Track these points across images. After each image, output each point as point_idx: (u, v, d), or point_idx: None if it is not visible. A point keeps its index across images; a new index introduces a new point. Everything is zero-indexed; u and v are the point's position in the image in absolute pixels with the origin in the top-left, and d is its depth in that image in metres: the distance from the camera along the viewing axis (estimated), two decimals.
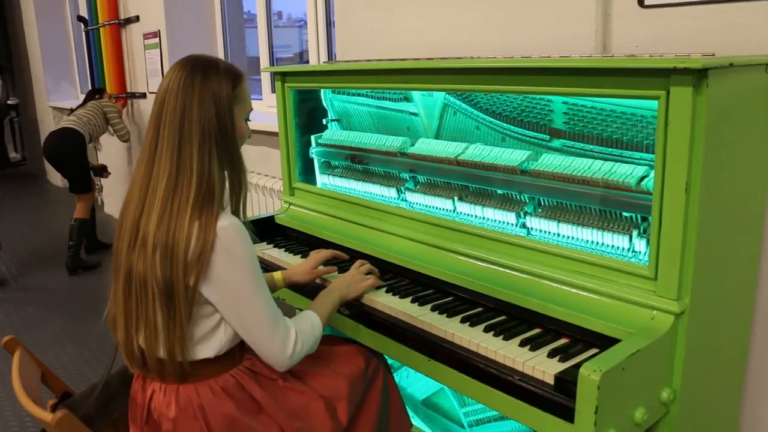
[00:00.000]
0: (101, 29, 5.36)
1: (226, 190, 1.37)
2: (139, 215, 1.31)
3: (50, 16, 6.96)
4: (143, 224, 1.30)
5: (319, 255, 1.77)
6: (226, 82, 1.34)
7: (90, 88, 5.57)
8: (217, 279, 1.28)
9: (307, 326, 1.43)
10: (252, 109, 1.44)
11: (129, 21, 4.99)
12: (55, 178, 7.62)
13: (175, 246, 1.26)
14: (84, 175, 4.51)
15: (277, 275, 1.72)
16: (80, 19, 5.90)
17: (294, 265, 1.80)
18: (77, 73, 7.22)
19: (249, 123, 1.45)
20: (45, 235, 5.42)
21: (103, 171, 4.92)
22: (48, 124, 4.47)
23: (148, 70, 4.78)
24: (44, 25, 7.17)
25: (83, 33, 6.00)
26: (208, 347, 1.35)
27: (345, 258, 1.81)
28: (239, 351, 1.44)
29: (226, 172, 1.36)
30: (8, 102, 9.66)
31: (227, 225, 1.28)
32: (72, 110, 4.67)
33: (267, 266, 1.94)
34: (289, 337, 1.36)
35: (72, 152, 4.41)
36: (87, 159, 4.57)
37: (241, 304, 1.31)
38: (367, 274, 1.67)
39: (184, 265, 1.26)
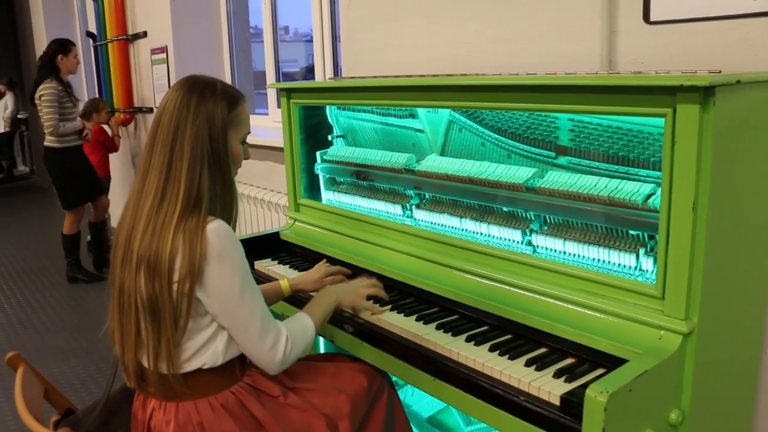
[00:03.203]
0: (109, 45, 5.42)
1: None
2: (130, 231, 1.32)
3: (60, 32, 7.00)
4: (132, 240, 1.31)
5: (328, 269, 1.77)
6: (222, 104, 1.34)
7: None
8: (207, 282, 1.28)
9: (298, 328, 1.42)
10: (249, 132, 1.43)
11: (137, 36, 5.03)
12: None
13: (158, 262, 1.26)
14: (67, 191, 4.40)
15: (284, 283, 1.73)
16: (89, 34, 5.96)
17: None
18: (86, 88, 7.27)
19: (248, 143, 1.45)
20: (50, 249, 5.44)
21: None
22: None
23: (155, 86, 4.81)
24: None
25: (92, 48, 6.06)
26: (204, 358, 1.34)
27: (349, 274, 1.81)
28: (239, 366, 1.43)
29: (217, 193, 1.35)
30: (18, 116, 9.76)
31: (216, 227, 1.28)
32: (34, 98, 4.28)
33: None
34: (279, 340, 1.35)
35: (55, 171, 4.36)
36: (70, 175, 4.36)
37: (232, 306, 1.31)
38: (372, 296, 1.65)
39: (168, 280, 1.26)
